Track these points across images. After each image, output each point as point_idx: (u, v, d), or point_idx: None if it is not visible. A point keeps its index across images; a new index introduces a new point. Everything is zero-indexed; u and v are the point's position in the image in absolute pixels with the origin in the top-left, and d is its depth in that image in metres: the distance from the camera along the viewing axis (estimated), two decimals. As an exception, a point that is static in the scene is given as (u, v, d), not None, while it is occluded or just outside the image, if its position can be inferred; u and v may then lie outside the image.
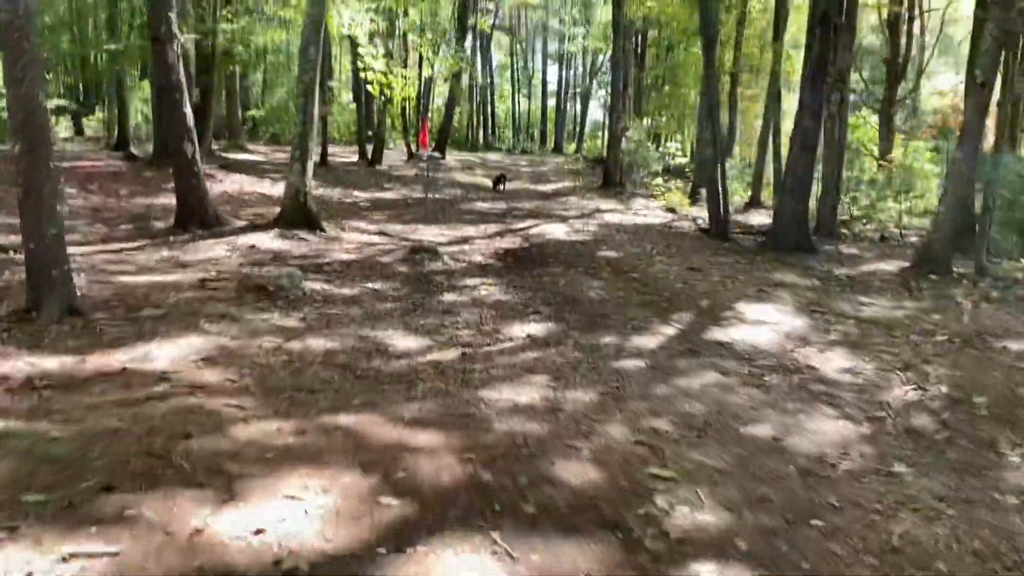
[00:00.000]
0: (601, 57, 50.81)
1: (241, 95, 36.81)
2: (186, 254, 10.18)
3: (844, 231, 17.17)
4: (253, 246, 10.88)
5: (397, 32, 23.81)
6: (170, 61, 11.25)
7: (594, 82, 52.60)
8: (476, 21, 37.38)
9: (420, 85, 25.61)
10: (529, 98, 56.07)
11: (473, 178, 25.02)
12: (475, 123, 50.83)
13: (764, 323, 8.60)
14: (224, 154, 22.44)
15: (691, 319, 8.69)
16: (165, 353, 5.86)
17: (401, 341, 6.95)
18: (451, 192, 20.77)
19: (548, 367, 6.47)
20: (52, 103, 26.53)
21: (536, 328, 7.83)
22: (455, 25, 26.66)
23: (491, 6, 44.58)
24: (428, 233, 14.00)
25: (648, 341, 7.60)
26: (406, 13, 22.26)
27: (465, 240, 13.59)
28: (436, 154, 23.87)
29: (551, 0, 50.17)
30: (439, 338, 7.17)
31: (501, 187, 22.33)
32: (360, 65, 18.56)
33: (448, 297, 8.94)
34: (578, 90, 55.53)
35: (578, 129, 54.82)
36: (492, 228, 15.18)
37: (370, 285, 9.22)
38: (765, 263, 12.82)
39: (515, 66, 54.26)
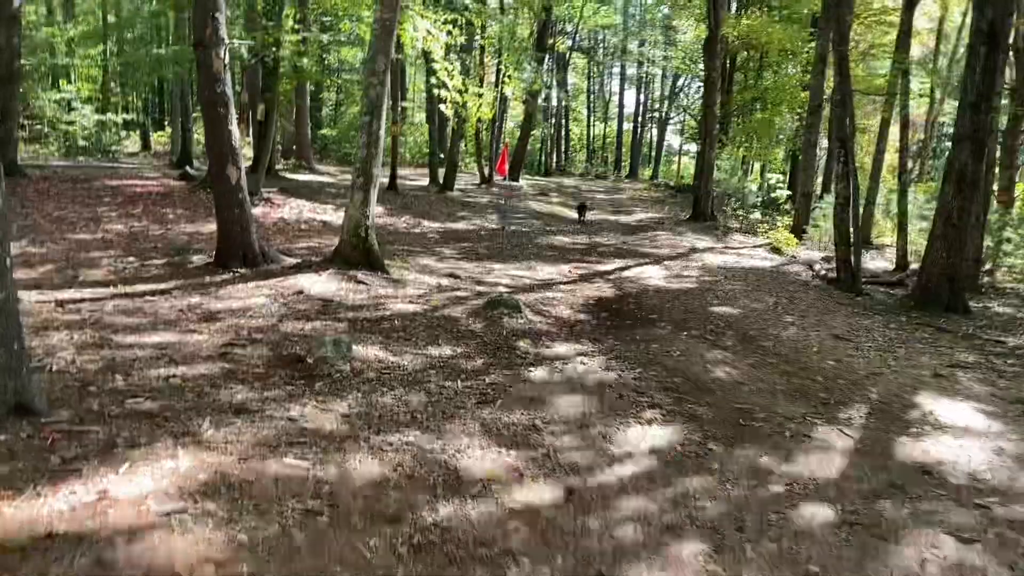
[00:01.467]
0: (682, 80, 48.51)
1: (313, 113, 35.74)
2: (219, 301, 8.28)
3: (985, 281, 14.51)
4: (300, 291, 8.95)
5: (475, 48, 21.94)
6: (215, 69, 9.47)
7: (673, 106, 50.21)
8: (554, 41, 35.57)
9: (497, 105, 23.70)
10: (604, 122, 53.86)
11: (550, 206, 22.97)
12: (548, 147, 48.90)
13: (969, 432, 6.21)
14: (289, 175, 20.88)
15: (865, 421, 6.35)
16: (131, 491, 3.86)
17: (478, 458, 4.83)
18: (527, 223, 18.70)
19: (697, 522, 4.26)
20: (120, 117, 25.60)
21: (660, 434, 5.63)
22: (534, 43, 24.67)
23: (570, 27, 42.76)
24: (505, 274, 11.94)
25: (822, 464, 5.31)
26: (484, 29, 20.38)
27: (548, 285, 11.48)
28: (512, 182, 21.85)
29: (631, 21, 48.08)
30: (531, 453, 5.03)
31: (583, 217, 20.24)
32: (434, 82, 16.72)
33: (536, 374, 6.80)
34: (654, 115, 53.24)
35: (654, 155, 52.48)
36: (577, 269, 13.04)
37: (437, 352, 7.16)
38: (916, 329, 10.34)
39: (591, 89, 52.22)
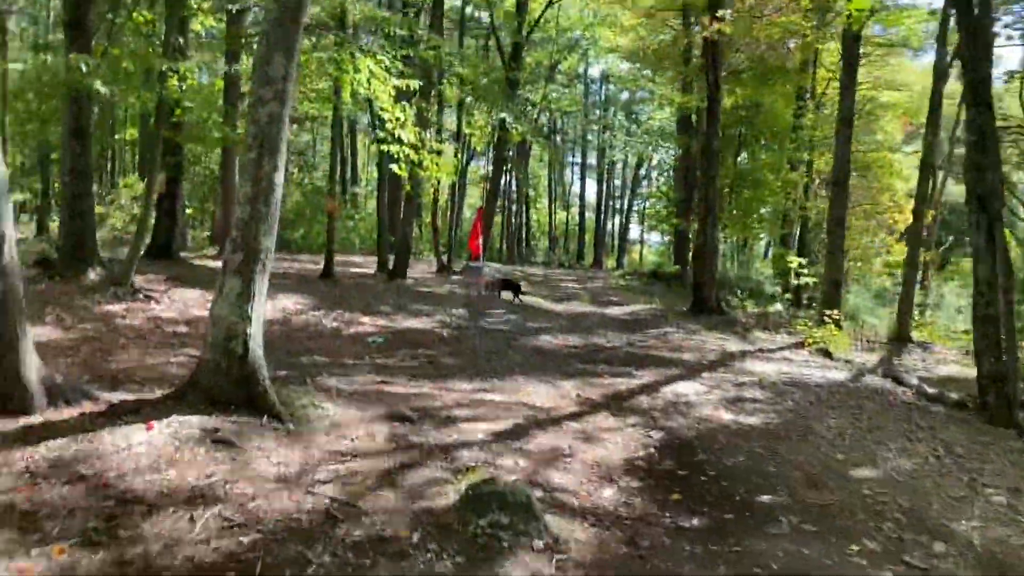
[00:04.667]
0: (644, 165, 45.56)
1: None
2: None
3: None
4: (80, 476, 4.19)
5: (431, 95, 17.70)
6: None
7: (636, 192, 47.10)
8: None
9: (462, 162, 19.49)
10: (566, 209, 50.38)
11: (523, 297, 18.49)
12: (509, 233, 44.99)
13: None
14: (197, 261, 16.14)
15: None
16: None
17: None
18: (500, 316, 14.14)
19: None
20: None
21: None
22: (503, 86, 20.30)
23: (534, 111, 39.33)
24: (483, 406, 7.32)
25: None
26: (440, 73, 16.26)
27: (553, 424, 6.91)
28: (479, 264, 17.39)
29: (590, 111, 45.17)
30: None
31: (517, 298, 16.15)
32: (380, 135, 12.45)
33: None
34: (616, 203, 50.05)
35: (617, 243, 49.00)
36: (584, 391, 8.51)
37: None
38: None
39: (552, 176, 48.83)
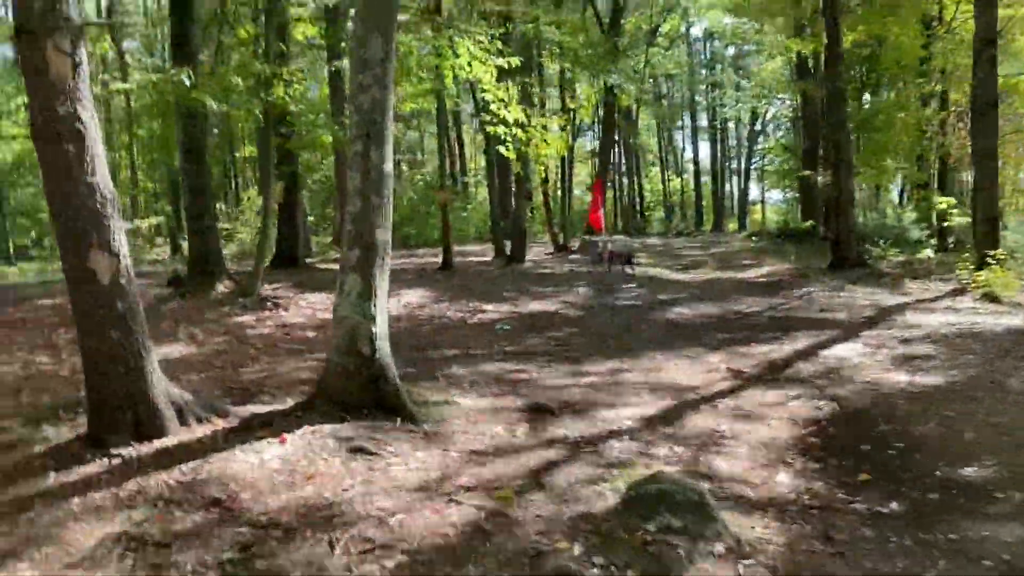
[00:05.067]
0: (761, 118, 43.30)
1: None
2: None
3: None
4: (216, 501, 3.95)
5: (533, 70, 17.06)
6: (53, 74, 4.70)
7: (755, 149, 44.84)
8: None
9: (570, 136, 18.88)
10: (680, 176, 48.61)
11: (647, 269, 17.71)
12: (623, 204, 43.86)
13: None
14: (322, 265, 16.34)
15: None
16: None
17: None
18: (626, 291, 13.49)
19: None
20: (145, 222, 21.70)
21: None
22: (607, 50, 19.27)
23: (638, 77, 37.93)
24: (622, 391, 6.76)
25: None
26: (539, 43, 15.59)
27: (704, 403, 6.27)
28: (602, 237, 16.74)
29: (697, 70, 43.29)
30: None
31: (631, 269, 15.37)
32: (486, 118, 12.04)
33: None
34: (732, 164, 47.94)
35: (738, 205, 46.94)
36: (733, 363, 7.79)
37: None
38: None
39: (662, 142, 47.23)
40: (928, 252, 15.15)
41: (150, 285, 13.15)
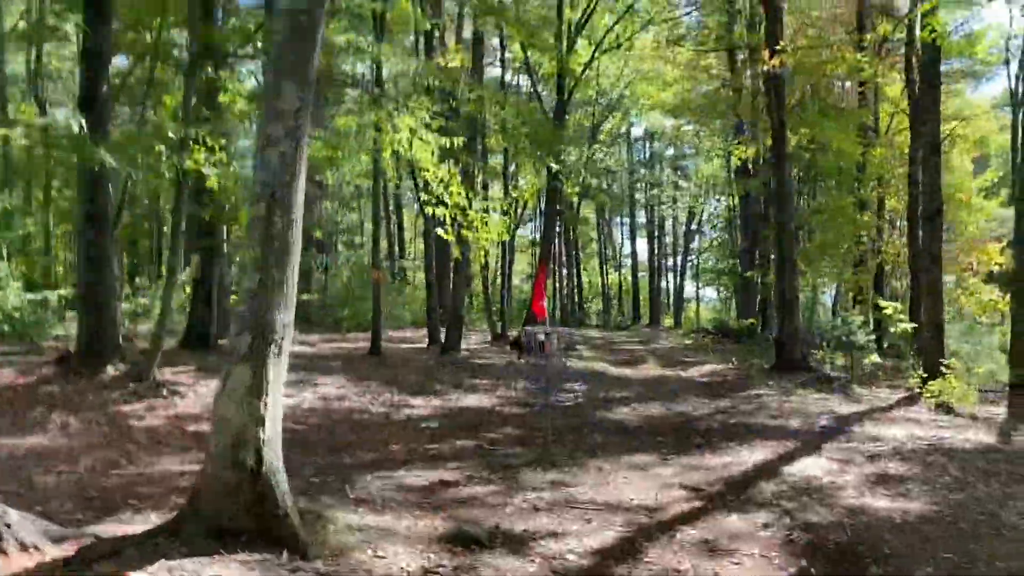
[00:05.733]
0: (698, 217, 44.00)
1: (303, 281, 30.34)
2: None
3: None
4: None
5: (476, 149, 16.35)
6: None
7: (690, 247, 45.40)
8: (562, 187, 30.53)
9: (513, 223, 18.18)
10: (618, 270, 48.78)
11: (587, 363, 16.84)
12: (562, 296, 43.43)
13: None
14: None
15: None
16: None
17: None
18: (566, 388, 12.49)
19: None
20: (57, 293, 19.86)
21: None
22: (551, 131, 18.77)
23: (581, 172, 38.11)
24: (565, 513, 5.71)
25: None
26: (483, 125, 15.01)
27: (657, 530, 5.29)
28: (540, 328, 15.86)
29: (636, 168, 43.95)
30: None
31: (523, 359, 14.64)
32: (425, 197, 11.21)
33: None
34: (668, 260, 48.37)
35: (674, 301, 47.11)
36: (688, 477, 6.83)
37: None
38: None
39: (601, 236, 47.42)
40: (875, 357, 14.64)
41: (39, 364, 11.64)
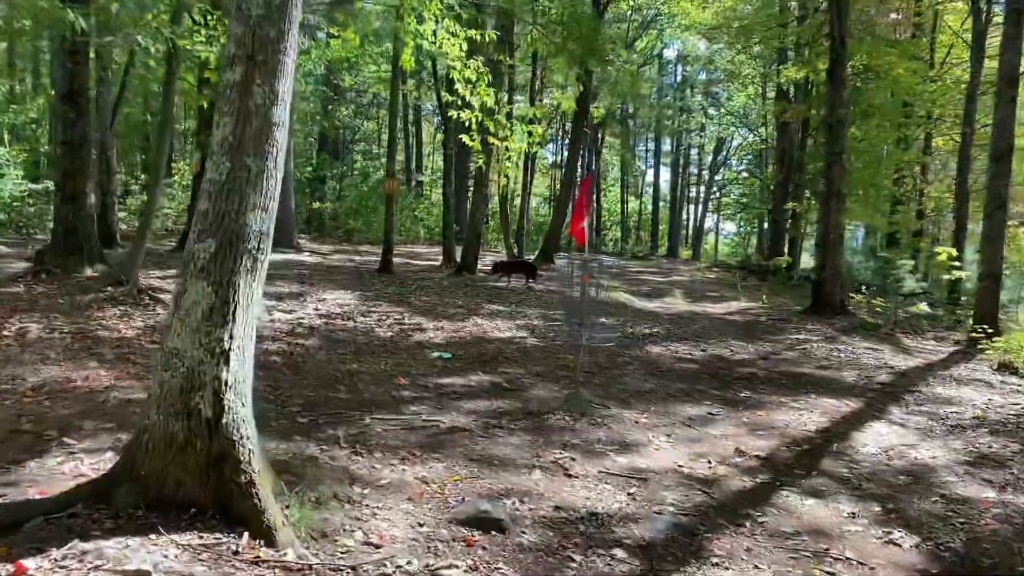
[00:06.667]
0: (726, 147, 42.03)
1: (313, 184, 29.06)
2: None
3: None
4: None
5: (506, 48, 14.56)
6: None
7: (716, 178, 43.55)
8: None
9: (546, 131, 16.72)
10: (639, 198, 47.08)
11: (608, 293, 15.63)
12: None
13: None
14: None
15: None
16: None
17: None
18: (593, 320, 11.30)
19: None
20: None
21: None
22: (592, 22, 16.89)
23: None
24: (603, 482, 4.59)
25: None
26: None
27: (719, 512, 4.17)
28: (569, 256, 14.62)
29: (667, 92, 41.64)
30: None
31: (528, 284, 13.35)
32: (446, 98, 9.82)
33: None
34: (691, 191, 46.44)
35: (694, 233, 45.48)
36: (744, 441, 5.70)
37: None
38: None
39: (624, 162, 45.51)
40: (924, 306, 13.34)
41: (19, 258, 10.56)
